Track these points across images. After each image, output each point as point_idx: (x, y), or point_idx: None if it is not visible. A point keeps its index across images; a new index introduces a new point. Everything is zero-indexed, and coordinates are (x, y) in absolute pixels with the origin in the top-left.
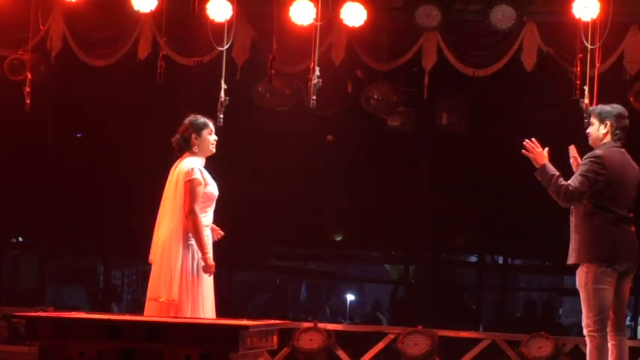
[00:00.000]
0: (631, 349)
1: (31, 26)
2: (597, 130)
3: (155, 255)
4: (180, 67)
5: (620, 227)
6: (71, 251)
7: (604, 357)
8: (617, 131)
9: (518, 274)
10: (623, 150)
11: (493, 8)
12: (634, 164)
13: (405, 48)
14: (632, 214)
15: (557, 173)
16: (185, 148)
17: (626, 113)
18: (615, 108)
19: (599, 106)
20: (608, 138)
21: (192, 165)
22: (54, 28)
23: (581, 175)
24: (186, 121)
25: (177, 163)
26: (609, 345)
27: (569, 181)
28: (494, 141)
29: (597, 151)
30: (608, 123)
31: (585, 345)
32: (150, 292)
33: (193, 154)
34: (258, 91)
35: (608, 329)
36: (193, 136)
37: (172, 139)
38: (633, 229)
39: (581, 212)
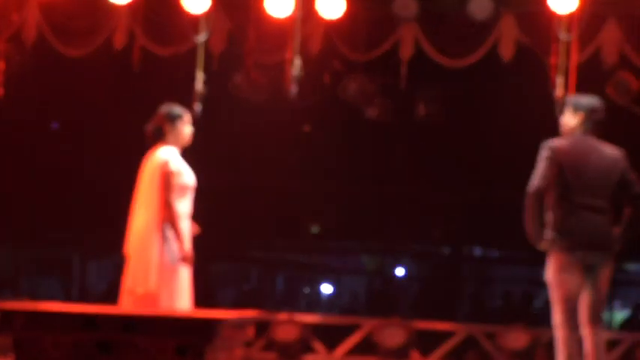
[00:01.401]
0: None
1: (6, 16)
2: (568, 119)
3: (131, 247)
4: (157, 58)
5: (580, 216)
6: (46, 242)
7: (572, 350)
8: (588, 123)
9: (495, 265)
10: (589, 138)
11: None
12: (606, 152)
13: (383, 39)
14: (602, 202)
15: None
16: (159, 137)
17: (601, 107)
18: (590, 101)
19: (576, 96)
20: (578, 129)
21: (166, 156)
22: (29, 17)
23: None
24: (161, 110)
25: (151, 153)
26: (585, 336)
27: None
28: (472, 132)
29: (553, 141)
30: (581, 114)
31: None
32: (126, 284)
33: (167, 144)
34: (235, 83)
35: (584, 321)
36: (167, 126)
37: (146, 128)
38: (604, 216)
39: (549, 203)
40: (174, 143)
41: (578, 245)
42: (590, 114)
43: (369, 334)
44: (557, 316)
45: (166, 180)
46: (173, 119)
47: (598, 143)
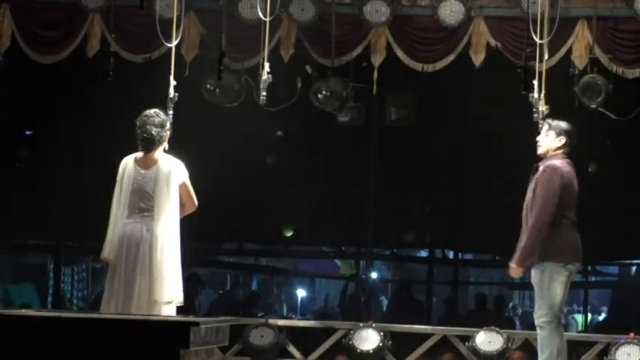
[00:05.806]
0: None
1: None
2: (552, 142)
3: (153, 254)
4: (130, 64)
5: (572, 231)
6: (20, 248)
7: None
8: (568, 147)
9: (469, 268)
10: (569, 161)
11: (441, 3)
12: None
13: (354, 43)
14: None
15: (522, 243)
16: (160, 143)
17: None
18: (570, 127)
19: (557, 121)
20: (560, 151)
21: (178, 161)
22: (2, 25)
23: (549, 195)
24: (162, 116)
25: (143, 158)
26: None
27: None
28: (444, 136)
29: (555, 163)
30: (564, 139)
31: (535, 339)
32: (156, 294)
33: (159, 149)
34: (207, 88)
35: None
36: (170, 132)
37: (150, 134)
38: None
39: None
40: (163, 148)
41: (573, 258)
42: (570, 138)
43: (344, 337)
44: (543, 317)
45: (189, 185)
46: (167, 125)
47: (572, 163)
